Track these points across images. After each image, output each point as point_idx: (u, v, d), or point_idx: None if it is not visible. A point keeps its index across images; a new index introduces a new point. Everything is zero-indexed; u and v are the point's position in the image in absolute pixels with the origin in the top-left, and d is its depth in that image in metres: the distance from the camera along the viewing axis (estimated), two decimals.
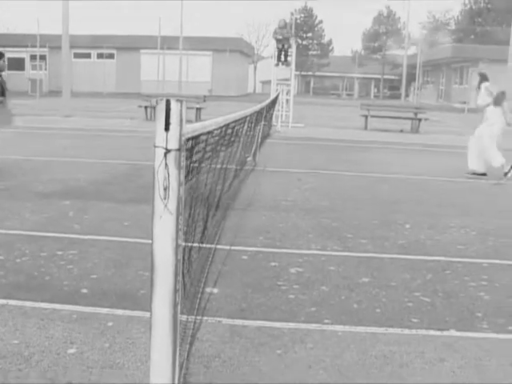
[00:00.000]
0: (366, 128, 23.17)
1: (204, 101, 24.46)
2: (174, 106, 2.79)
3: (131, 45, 55.69)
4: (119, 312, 4.44)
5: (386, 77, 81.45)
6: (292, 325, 4.35)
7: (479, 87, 12.50)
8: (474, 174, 12.14)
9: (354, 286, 5.26)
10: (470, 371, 3.79)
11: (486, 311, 4.83)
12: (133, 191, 8.74)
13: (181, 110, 2.80)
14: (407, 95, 67.14)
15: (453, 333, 4.39)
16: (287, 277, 5.40)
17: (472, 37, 70.11)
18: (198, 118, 22.42)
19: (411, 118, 24.04)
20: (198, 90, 45.18)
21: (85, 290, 4.86)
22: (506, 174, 11.75)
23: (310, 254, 6.18)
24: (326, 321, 4.46)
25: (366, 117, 23.49)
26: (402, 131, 23.09)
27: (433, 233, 7.31)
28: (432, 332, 4.38)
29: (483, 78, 12.61)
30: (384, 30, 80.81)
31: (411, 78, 64.29)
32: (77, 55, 56.07)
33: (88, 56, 57.46)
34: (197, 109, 23.59)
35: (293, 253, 6.18)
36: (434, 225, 7.73)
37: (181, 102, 2.81)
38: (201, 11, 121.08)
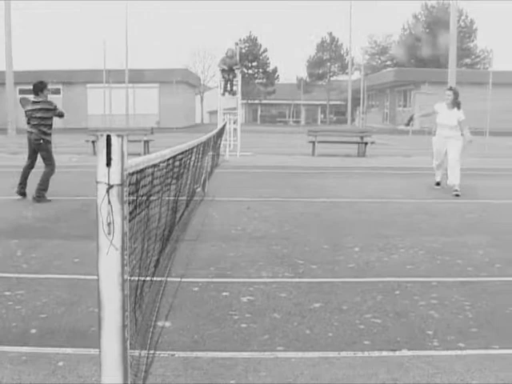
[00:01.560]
0: (313, 154, 23.39)
1: (152, 133, 24.42)
2: (114, 141, 2.79)
3: (77, 79, 55.33)
4: (70, 351, 4.37)
5: (331, 102, 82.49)
6: (245, 354, 4.35)
7: (450, 107, 12.94)
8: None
9: (305, 311, 5.29)
10: None
11: (437, 329, 4.90)
12: (82, 227, 8.65)
13: (122, 145, 2.81)
14: (353, 119, 68.03)
15: (404, 352, 4.44)
16: (239, 306, 5.40)
17: (413, 61, 71.61)
18: (146, 151, 22.37)
19: (357, 142, 24.37)
20: (145, 122, 45.11)
21: (34, 330, 4.77)
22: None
23: (261, 282, 6.19)
24: (279, 348, 4.47)
25: (314, 143, 23.72)
26: (348, 156, 23.37)
27: (382, 254, 7.40)
28: (384, 353, 4.43)
29: (456, 96, 12.99)
30: (327, 56, 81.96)
31: (356, 102, 65.21)
32: (22, 91, 55.37)
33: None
34: (145, 141, 23.54)
35: (244, 282, 6.18)
36: (383, 246, 7.83)
37: (121, 136, 2.82)
38: (146, 43, 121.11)
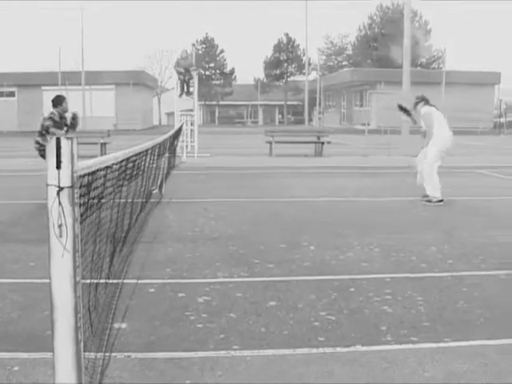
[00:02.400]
0: (270, 154, 23.49)
1: (108, 135, 24.29)
2: (64, 144, 2.81)
3: (32, 82, 54.66)
4: (25, 355, 4.34)
5: (289, 103, 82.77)
6: (201, 354, 4.38)
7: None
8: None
9: (261, 310, 5.34)
10: (375, 383, 3.93)
11: (390, 324, 5.00)
12: (38, 231, 8.55)
13: (71, 148, 2.82)
14: (311, 120, 68.44)
15: (359, 348, 4.52)
16: (195, 306, 5.42)
17: (369, 61, 72.28)
18: (103, 153, 22.22)
19: (314, 142, 24.54)
20: (102, 124, 44.72)
21: None
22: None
23: (217, 282, 6.22)
24: (235, 347, 4.51)
25: (271, 143, 23.81)
26: (306, 155, 23.51)
27: (337, 252, 7.49)
28: (339, 349, 4.50)
29: (424, 99, 12.20)
30: (284, 57, 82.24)
31: (314, 102, 65.62)
32: None
33: None
34: (101, 144, 23.40)
35: (200, 282, 6.21)
36: (338, 245, 7.93)
37: (71, 139, 2.83)
38: (102, 45, 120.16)
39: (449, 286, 6.14)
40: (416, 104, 12.21)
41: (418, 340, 4.66)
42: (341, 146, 29.56)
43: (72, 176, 2.81)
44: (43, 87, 54.86)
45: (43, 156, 11.13)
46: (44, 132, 11.18)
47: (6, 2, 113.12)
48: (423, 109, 12.02)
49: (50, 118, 11.31)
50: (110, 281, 5.35)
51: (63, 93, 51.09)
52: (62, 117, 11.39)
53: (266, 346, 4.52)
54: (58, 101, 11.51)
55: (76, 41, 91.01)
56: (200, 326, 4.95)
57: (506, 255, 7.40)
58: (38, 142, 11.28)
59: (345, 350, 4.49)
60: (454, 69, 55.05)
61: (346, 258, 7.29)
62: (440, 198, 11.47)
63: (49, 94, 54.40)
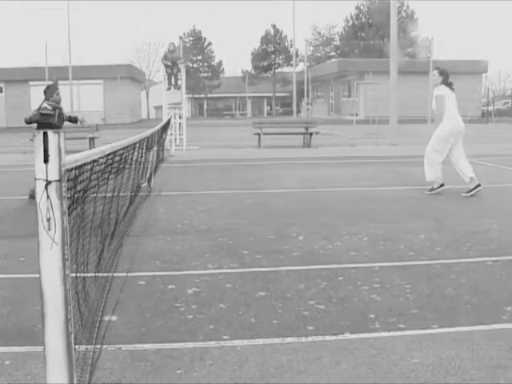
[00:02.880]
0: (259, 146, 23.51)
1: (97, 130, 24.24)
2: (51, 137, 2.83)
3: (19, 77, 54.36)
4: (16, 349, 4.37)
5: (277, 94, 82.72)
6: (191, 344, 4.42)
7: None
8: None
9: (250, 300, 5.38)
10: (362, 369, 3.97)
11: (379, 312, 5.05)
12: (27, 226, 8.52)
13: (59, 141, 2.84)
14: (299, 111, 68.43)
15: (347, 336, 4.57)
16: (185, 298, 5.46)
17: (356, 51, 72.35)
18: (91, 147, 22.18)
19: (303, 133, 24.58)
20: (91, 119, 44.45)
21: None
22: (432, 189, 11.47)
23: (206, 273, 6.26)
24: (225, 337, 4.55)
25: (259, 135, 23.83)
26: (294, 147, 23.55)
27: (326, 242, 7.54)
28: (327, 337, 4.55)
29: (444, 74, 11.35)
30: (272, 48, 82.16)
31: (302, 93, 65.60)
32: None
33: None
34: (90, 138, 23.36)
35: (190, 274, 6.25)
36: (327, 234, 7.97)
37: (58, 133, 2.85)
38: (89, 39, 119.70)
39: (437, 273, 6.19)
40: (439, 79, 11.27)
41: (406, 327, 4.71)
42: (329, 136, 29.62)
43: (60, 170, 2.83)
44: (30, 82, 54.59)
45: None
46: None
47: None
48: (438, 89, 11.30)
49: (39, 113, 10.86)
50: (100, 274, 5.37)
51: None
52: (55, 108, 10.90)
53: (255, 336, 4.56)
54: (49, 91, 11.05)
55: (63, 36, 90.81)
56: (190, 317, 4.99)
57: (493, 242, 7.47)
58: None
59: (333, 338, 4.54)
60: (440, 58, 55.09)
61: (335, 247, 7.34)
62: (441, 183, 11.44)
63: (36, 90, 54.29)
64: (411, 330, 4.67)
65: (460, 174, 11.42)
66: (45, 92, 11.11)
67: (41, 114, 10.71)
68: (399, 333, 4.62)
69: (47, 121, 10.61)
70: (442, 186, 11.46)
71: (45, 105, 10.86)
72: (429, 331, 4.63)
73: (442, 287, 5.70)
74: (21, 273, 6.37)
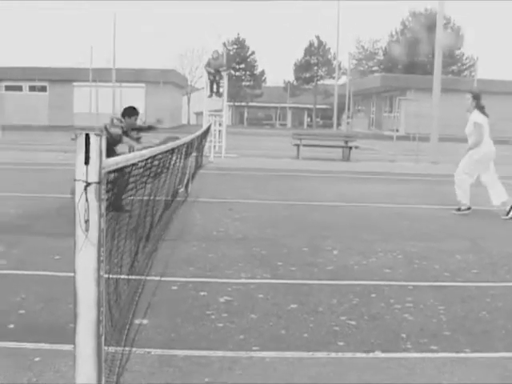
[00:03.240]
0: (298, 157, 23.46)
1: (137, 133, 24.37)
2: (93, 139, 2.85)
3: (64, 77, 55.09)
4: (47, 346, 4.41)
5: (318, 106, 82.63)
6: (220, 353, 4.41)
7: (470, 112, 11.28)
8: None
9: (282, 312, 5.35)
10: None
11: (411, 332, 4.98)
12: (64, 225, 8.54)
13: (100, 144, 2.86)
14: (339, 124, 68.26)
15: (378, 354, 4.52)
16: (216, 306, 5.46)
17: (400, 67, 71.94)
18: (130, 150, 22.33)
19: (342, 147, 24.48)
20: None
21: (12, 326, 4.81)
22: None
23: (239, 282, 6.25)
24: (254, 348, 4.53)
25: (298, 146, 23.79)
26: (333, 160, 23.48)
27: (361, 258, 7.48)
28: (358, 354, 4.51)
29: (477, 98, 11.32)
30: (315, 60, 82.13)
31: (343, 107, 65.43)
32: (8, 88, 55.38)
33: (19, 89, 56.65)
34: None
35: (222, 282, 6.25)
36: (362, 250, 7.91)
37: (100, 135, 2.87)
38: (133, 42, 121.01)
39: (472, 295, 6.10)
40: (475, 101, 11.21)
41: (438, 349, 4.64)
42: (369, 151, 29.48)
43: (100, 172, 2.85)
44: (74, 83, 55.34)
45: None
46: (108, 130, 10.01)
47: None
48: (476, 116, 11.18)
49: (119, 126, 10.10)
50: (133, 277, 5.39)
51: (94, 89, 51.69)
52: (125, 130, 10.20)
53: (285, 349, 4.54)
54: (132, 113, 10.39)
55: (109, 38, 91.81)
56: (220, 325, 4.98)
57: None
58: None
59: (364, 355, 4.49)
60: (485, 77, 54.49)
61: (369, 263, 7.28)
62: (468, 206, 11.36)
63: (79, 90, 55.05)
64: (443, 352, 4.60)
65: (492, 197, 11.28)
66: (125, 109, 10.44)
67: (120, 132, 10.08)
68: (430, 354, 4.55)
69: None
70: (469, 208, 11.33)
71: (115, 128, 10.03)
72: (461, 355, 4.56)
73: (476, 310, 5.61)
74: (56, 271, 6.43)
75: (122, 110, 10.42)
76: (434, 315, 5.43)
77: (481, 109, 11.27)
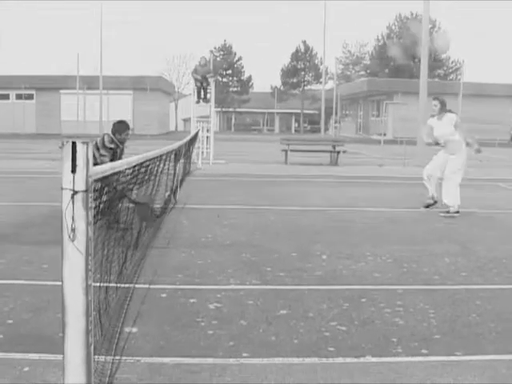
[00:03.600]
0: (286, 162, 23.47)
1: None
2: (79, 148, 2.84)
3: (50, 85, 54.94)
4: (36, 356, 4.37)
5: (305, 111, 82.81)
6: (210, 360, 4.39)
7: (440, 117, 11.81)
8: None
9: (272, 318, 5.34)
10: None
11: (401, 336, 4.98)
12: (52, 233, 8.56)
13: (87, 152, 2.85)
14: (327, 129, 68.38)
15: (368, 359, 4.51)
16: (206, 313, 5.44)
17: (386, 71, 72.22)
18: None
19: (330, 151, 24.50)
20: None
21: (0, 336, 4.77)
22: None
23: (228, 289, 6.23)
24: (245, 354, 4.51)
25: (286, 151, 23.80)
26: (321, 164, 23.50)
27: (350, 262, 7.48)
28: (348, 359, 4.50)
29: (443, 105, 11.90)
30: (302, 65, 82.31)
31: (330, 111, 65.56)
32: None
33: (6, 97, 56.48)
34: None
35: (212, 289, 6.23)
36: (351, 254, 7.91)
37: (87, 143, 2.86)
38: (120, 49, 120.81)
39: (461, 298, 6.11)
40: (443, 107, 11.87)
41: (429, 352, 4.64)
42: (356, 155, 29.53)
43: (87, 180, 2.83)
44: (61, 91, 55.21)
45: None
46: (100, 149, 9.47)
47: (28, 5, 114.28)
48: (455, 116, 11.89)
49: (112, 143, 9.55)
50: (122, 285, 5.36)
51: (81, 97, 51.60)
52: (116, 146, 9.63)
53: (275, 355, 4.52)
54: (121, 127, 9.82)
55: (95, 46, 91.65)
56: (210, 332, 4.96)
57: None
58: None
59: (354, 360, 4.48)
60: (471, 80, 54.75)
61: (358, 268, 7.27)
62: (457, 210, 11.49)
63: (66, 98, 54.85)
64: (434, 355, 4.60)
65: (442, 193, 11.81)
66: (114, 125, 9.92)
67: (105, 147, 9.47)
68: (421, 358, 4.55)
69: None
70: (457, 212, 11.54)
71: (107, 141, 9.54)
72: (452, 358, 4.56)
73: (466, 313, 5.62)
74: (44, 279, 6.39)
75: (112, 126, 9.89)
76: (424, 319, 5.43)
77: (450, 111, 11.95)
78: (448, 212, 11.54)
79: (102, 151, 9.36)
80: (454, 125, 11.70)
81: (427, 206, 12.15)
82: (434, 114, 11.98)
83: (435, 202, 12.12)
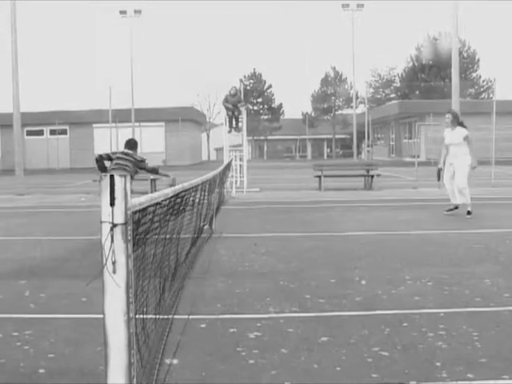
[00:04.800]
0: (320, 188, 23.41)
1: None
2: (118, 181, 2.85)
3: (83, 119, 55.81)
4: None
5: (337, 136, 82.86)
6: None
7: (453, 128, 14.06)
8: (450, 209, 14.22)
9: (313, 346, 5.28)
10: None
11: (445, 360, 4.89)
12: (90, 266, 8.64)
13: (125, 185, 2.86)
14: (359, 153, 68.24)
15: None
16: (246, 342, 5.40)
17: (417, 92, 71.99)
18: (153, 189, 22.45)
19: (364, 175, 24.39)
20: (152, 160, 45.08)
21: (42, 370, 4.79)
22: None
23: (268, 317, 6.19)
24: (287, 383, 4.46)
25: (320, 177, 23.74)
26: (355, 189, 23.40)
27: (389, 287, 7.39)
28: None
29: (455, 117, 14.11)
30: (332, 90, 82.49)
31: (362, 135, 65.43)
32: (29, 132, 56.15)
33: (41, 133, 57.43)
34: (151, 180, 23.63)
35: (251, 318, 6.19)
36: (390, 279, 7.83)
37: (124, 176, 2.87)
38: (151, 83, 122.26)
39: (505, 320, 5.99)
40: (455, 120, 14.15)
41: (475, 377, 4.54)
42: (391, 178, 29.38)
43: (125, 213, 2.85)
44: (94, 125, 55.98)
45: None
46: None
47: (58, 42, 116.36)
48: (466, 131, 13.95)
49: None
50: (161, 316, 5.36)
51: (113, 130, 52.14)
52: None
53: (318, 382, 4.47)
54: (134, 145, 11.60)
55: (126, 78, 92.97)
56: (252, 361, 4.92)
57: None
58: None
59: None
60: (503, 98, 54.24)
61: (398, 292, 7.19)
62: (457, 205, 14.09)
63: (99, 131, 55.65)
64: (480, 379, 4.50)
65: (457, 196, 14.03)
66: (128, 143, 11.63)
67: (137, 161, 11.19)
68: (467, 382, 4.46)
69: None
70: (456, 208, 14.28)
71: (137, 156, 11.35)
72: (499, 382, 4.45)
73: (511, 335, 5.50)
74: (83, 313, 6.42)
75: (125, 143, 11.60)
76: (468, 342, 5.33)
77: (462, 124, 14.09)
78: (469, 212, 13.75)
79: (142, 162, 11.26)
80: (463, 137, 13.83)
81: (448, 210, 14.37)
82: (448, 126, 14.14)
83: (456, 208, 14.23)
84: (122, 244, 2.85)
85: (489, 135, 30.44)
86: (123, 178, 2.84)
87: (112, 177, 2.84)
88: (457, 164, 13.86)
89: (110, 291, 2.86)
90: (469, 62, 73.43)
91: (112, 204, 2.84)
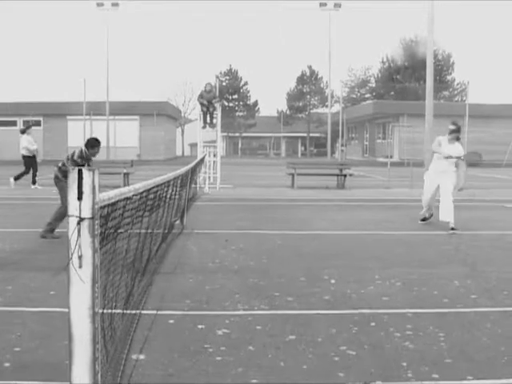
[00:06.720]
0: (293, 186, 23.45)
1: (131, 166, 24.41)
2: (86, 175, 2.83)
3: (57, 111, 55.27)
4: None
5: (311, 135, 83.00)
6: None
7: (451, 141, 12.61)
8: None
9: (280, 344, 5.29)
10: None
11: (411, 360, 4.92)
12: (59, 260, 8.53)
13: (93, 179, 2.84)
14: (333, 152, 68.40)
15: None
16: (214, 339, 5.39)
17: (392, 93, 72.37)
18: (125, 183, 22.34)
19: (337, 175, 24.46)
20: (126, 154, 45.02)
21: (7, 364, 4.74)
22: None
23: (236, 314, 6.19)
24: (254, 381, 4.46)
25: (293, 175, 23.79)
26: (327, 188, 23.46)
27: (358, 286, 7.43)
28: None
29: (460, 132, 12.95)
30: (307, 89, 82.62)
31: (336, 134, 65.60)
32: (1, 123, 55.49)
33: (14, 124, 56.78)
34: (124, 174, 23.52)
35: (220, 314, 6.18)
36: (359, 278, 7.86)
37: (93, 170, 2.85)
38: (126, 75, 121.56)
39: (472, 321, 6.05)
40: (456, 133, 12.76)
41: (440, 377, 4.58)
42: (363, 178, 29.51)
43: (93, 207, 2.82)
44: (68, 117, 55.50)
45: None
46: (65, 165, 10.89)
47: (32, 33, 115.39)
48: (463, 151, 12.82)
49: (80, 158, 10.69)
50: (129, 311, 5.33)
51: (87, 123, 51.81)
52: (87, 160, 10.71)
53: (285, 380, 4.47)
54: (94, 144, 10.81)
55: (101, 71, 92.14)
56: (219, 358, 4.91)
57: None
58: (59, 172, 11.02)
59: None
60: (476, 102, 54.77)
61: (367, 291, 7.22)
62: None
63: (73, 124, 55.14)
64: (445, 380, 4.54)
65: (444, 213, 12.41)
66: (88, 140, 11.00)
67: (73, 160, 10.65)
68: (432, 383, 4.49)
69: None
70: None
71: (76, 155, 10.71)
72: (463, 382, 4.50)
73: (477, 336, 5.56)
74: (51, 306, 6.36)
75: (86, 140, 11.04)
76: (434, 342, 5.37)
77: (459, 141, 12.88)
78: (453, 229, 12.02)
79: (68, 163, 10.65)
80: (462, 156, 12.67)
81: (423, 220, 13.44)
82: (452, 139, 12.62)
83: (431, 215, 13.41)
84: (88, 238, 2.83)
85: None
86: (91, 173, 2.82)
87: (80, 171, 2.81)
88: (444, 180, 12.52)
89: (75, 285, 2.84)
90: (443, 65, 73.93)
91: (80, 198, 2.81)
